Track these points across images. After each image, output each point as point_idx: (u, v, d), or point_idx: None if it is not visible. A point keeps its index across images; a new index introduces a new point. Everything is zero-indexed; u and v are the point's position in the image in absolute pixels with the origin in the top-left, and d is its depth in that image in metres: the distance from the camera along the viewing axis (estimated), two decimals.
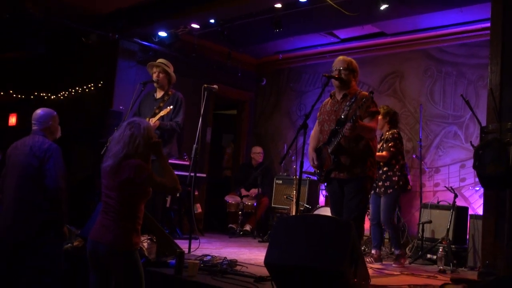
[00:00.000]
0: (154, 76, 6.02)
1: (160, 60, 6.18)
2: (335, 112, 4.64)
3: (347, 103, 4.55)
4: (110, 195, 3.30)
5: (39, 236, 4.24)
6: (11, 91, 9.29)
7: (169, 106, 5.81)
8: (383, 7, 6.16)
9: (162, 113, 5.75)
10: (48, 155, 4.25)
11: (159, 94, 6.06)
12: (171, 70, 6.07)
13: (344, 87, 4.67)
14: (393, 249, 6.02)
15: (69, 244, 5.04)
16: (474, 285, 4.29)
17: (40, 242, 4.26)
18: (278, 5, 6.66)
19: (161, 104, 5.92)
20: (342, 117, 4.48)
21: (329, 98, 4.83)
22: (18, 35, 7.36)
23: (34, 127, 4.46)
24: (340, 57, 4.77)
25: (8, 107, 9.76)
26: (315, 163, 4.72)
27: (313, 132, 4.92)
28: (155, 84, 6.04)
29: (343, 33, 8.19)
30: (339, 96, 4.70)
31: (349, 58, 4.75)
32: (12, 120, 9.80)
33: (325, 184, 4.91)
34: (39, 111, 4.52)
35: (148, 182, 3.32)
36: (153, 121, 5.67)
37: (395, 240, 5.88)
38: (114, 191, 3.29)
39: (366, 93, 4.54)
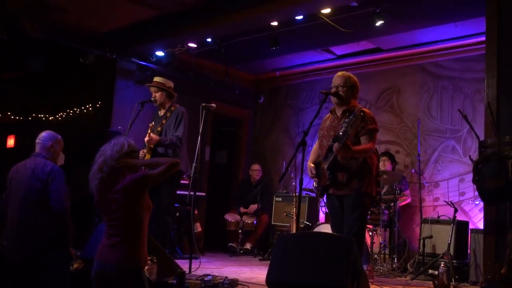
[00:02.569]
0: (152, 96, 6.07)
1: (155, 78, 6.20)
2: (334, 128, 4.60)
3: (346, 120, 4.48)
4: (113, 217, 3.30)
5: (44, 255, 4.26)
6: (9, 113, 9.30)
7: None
8: (378, 23, 6.20)
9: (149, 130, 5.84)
10: (51, 177, 4.29)
11: (162, 111, 6.12)
12: (167, 86, 6.09)
13: (343, 103, 4.63)
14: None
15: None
16: None
17: (45, 261, 4.27)
18: (275, 23, 6.71)
19: (164, 121, 5.96)
20: (340, 133, 4.44)
21: (329, 113, 4.82)
22: (16, 55, 7.39)
23: (36, 149, 4.50)
24: (339, 73, 4.72)
25: (6, 129, 9.76)
26: (313, 173, 4.69)
27: (314, 147, 4.90)
28: (154, 104, 6.09)
29: (339, 50, 8.24)
30: (339, 112, 4.67)
31: (348, 74, 4.70)
32: (10, 141, 9.78)
33: (325, 199, 4.89)
34: (43, 133, 4.57)
35: (150, 181, 3.37)
36: (150, 135, 5.72)
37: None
38: (117, 212, 3.29)
39: (366, 110, 4.53)
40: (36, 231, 4.26)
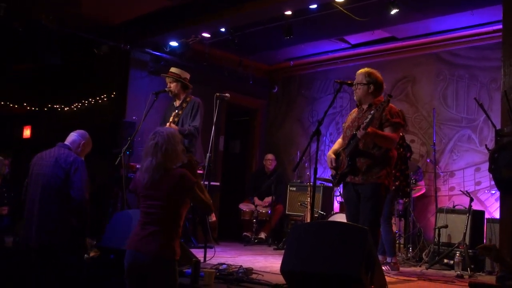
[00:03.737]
0: (167, 86, 6.10)
1: (172, 69, 6.23)
2: (358, 120, 4.66)
3: (372, 111, 4.52)
4: (154, 204, 3.34)
5: (62, 246, 4.31)
6: (25, 104, 9.38)
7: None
8: (393, 11, 6.15)
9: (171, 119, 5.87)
10: (74, 168, 4.38)
11: (177, 102, 6.17)
12: (183, 77, 6.12)
13: (364, 99, 4.70)
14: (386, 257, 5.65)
15: (86, 255, 5.05)
16: None
17: (62, 251, 4.33)
18: (288, 12, 6.67)
19: (180, 112, 6.00)
20: (364, 123, 4.48)
21: (356, 108, 4.87)
22: (31, 46, 7.43)
23: (66, 140, 4.60)
24: (361, 70, 4.76)
25: (22, 120, 9.85)
26: (333, 164, 4.71)
27: (338, 139, 4.97)
28: (169, 94, 6.11)
29: (353, 39, 8.19)
30: (365, 106, 4.73)
31: (368, 70, 4.74)
32: (27, 132, 9.88)
33: (341, 189, 4.90)
34: (80, 130, 4.70)
35: (193, 190, 3.40)
36: (170, 125, 5.77)
37: (387, 246, 5.65)
38: (159, 200, 3.33)
39: (392, 105, 4.55)
40: (57, 222, 4.31)
